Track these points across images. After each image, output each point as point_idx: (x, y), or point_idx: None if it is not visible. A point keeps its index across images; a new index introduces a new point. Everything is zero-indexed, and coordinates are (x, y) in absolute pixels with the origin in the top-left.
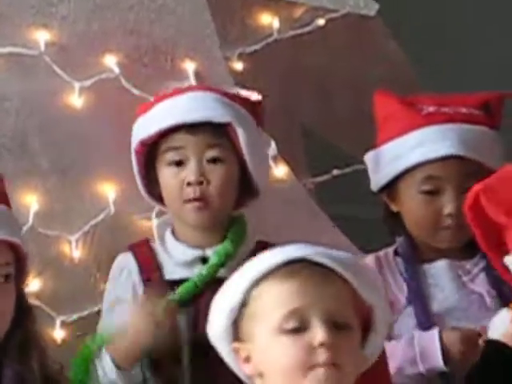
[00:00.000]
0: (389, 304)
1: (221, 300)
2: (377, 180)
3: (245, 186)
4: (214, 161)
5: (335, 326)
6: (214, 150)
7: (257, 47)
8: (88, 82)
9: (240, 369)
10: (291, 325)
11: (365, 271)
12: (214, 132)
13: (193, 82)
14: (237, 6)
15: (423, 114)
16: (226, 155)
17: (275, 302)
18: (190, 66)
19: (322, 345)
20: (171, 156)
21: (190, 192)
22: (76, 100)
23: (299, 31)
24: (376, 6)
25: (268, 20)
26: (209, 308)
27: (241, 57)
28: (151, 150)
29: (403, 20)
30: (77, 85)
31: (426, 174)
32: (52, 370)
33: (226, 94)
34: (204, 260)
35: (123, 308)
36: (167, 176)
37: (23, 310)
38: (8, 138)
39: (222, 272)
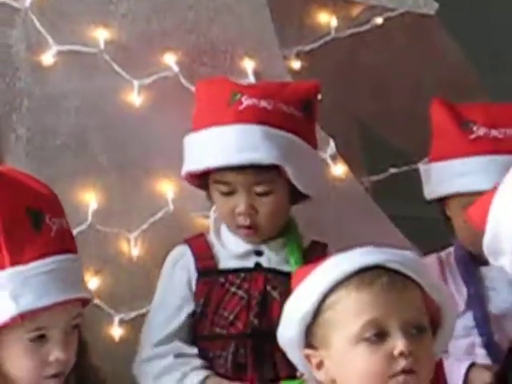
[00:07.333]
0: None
1: (293, 306)
2: (428, 192)
3: (297, 193)
4: (262, 194)
5: (412, 332)
6: (262, 185)
7: (315, 46)
8: (147, 81)
9: (312, 374)
10: (371, 333)
11: (429, 271)
12: (261, 169)
13: (252, 80)
14: (295, 4)
15: (471, 139)
16: (275, 186)
17: (353, 310)
18: (248, 65)
19: (401, 354)
20: (221, 188)
21: (241, 220)
22: (135, 98)
23: (357, 30)
24: (436, 5)
25: (326, 19)
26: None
27: (299, 55)
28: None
29: (462, 19)
30: (136, 83)
31: (466, 204)
32: None
33: (275, 123)
34: (258, 253)
35: (173, 302)
36: (218, 202)
37: (80, 345)
38: (67, 136)
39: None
